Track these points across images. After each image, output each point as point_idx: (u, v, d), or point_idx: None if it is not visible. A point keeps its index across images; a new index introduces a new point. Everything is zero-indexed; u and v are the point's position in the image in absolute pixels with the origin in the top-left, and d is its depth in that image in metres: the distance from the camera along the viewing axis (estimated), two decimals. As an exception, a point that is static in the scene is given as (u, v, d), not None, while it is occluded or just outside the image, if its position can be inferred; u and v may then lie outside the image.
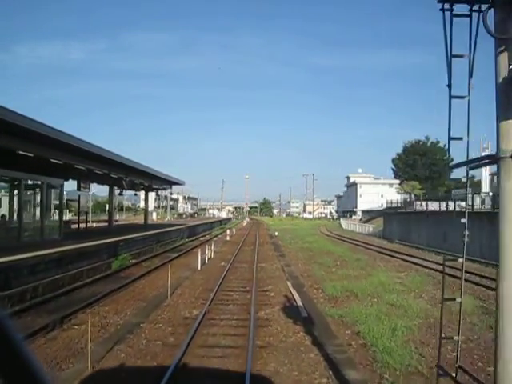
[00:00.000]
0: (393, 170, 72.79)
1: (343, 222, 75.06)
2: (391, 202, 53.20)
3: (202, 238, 37.85)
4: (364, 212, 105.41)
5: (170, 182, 35.51)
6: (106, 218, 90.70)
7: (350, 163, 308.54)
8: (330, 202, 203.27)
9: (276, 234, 41.45)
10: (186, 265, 20.10)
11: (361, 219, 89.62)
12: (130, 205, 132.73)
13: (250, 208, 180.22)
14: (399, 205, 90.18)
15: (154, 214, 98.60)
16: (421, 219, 35.40)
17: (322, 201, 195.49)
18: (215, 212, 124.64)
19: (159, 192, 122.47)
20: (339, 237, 42.53)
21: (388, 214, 45.65)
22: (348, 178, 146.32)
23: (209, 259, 22.30)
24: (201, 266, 19.16)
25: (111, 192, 29.11)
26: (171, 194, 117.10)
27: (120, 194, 35.01)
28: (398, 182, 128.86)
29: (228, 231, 38.80)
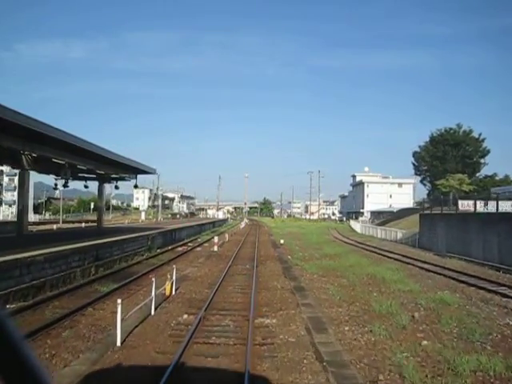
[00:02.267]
0: (413, 164, 61.91)
1: (356, 225, 64.19)
2: (429, 200, 42.18)
3: (179, 249, 27.04)
4: (374, 213, 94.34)
5: (132, 170, 24.69)
6: (89, 218, 79.78)
7: (355, 162, 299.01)
8: (332, 203, 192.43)
9: (282, 241, 30.61)
10: (102, 327, 9.22)
11: (373, 221, 78.80)
12: (119, 204, 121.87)
13: (250, 208, 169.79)
14: (414, 206, 78.77)
15: (143, 214, 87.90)
16: (488, 225, 24.64)
17: (324, 201, 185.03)
18: (210, 212, 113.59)
19: (151, 189, 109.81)
20: (364, 245, 31.79)
21: (428, 215, 34.80)
22: (354, 176, 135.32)
23: (163, 301, 11.55)
24: (128, 335, 8.38)
25: (22, 178, 18.11)
26: (167, 189, 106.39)
27: (65, 185, 24.22)
28: (411, 180, 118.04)
29: (216, 238, 27.92)
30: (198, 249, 27.47)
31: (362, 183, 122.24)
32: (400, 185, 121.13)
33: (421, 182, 63.42)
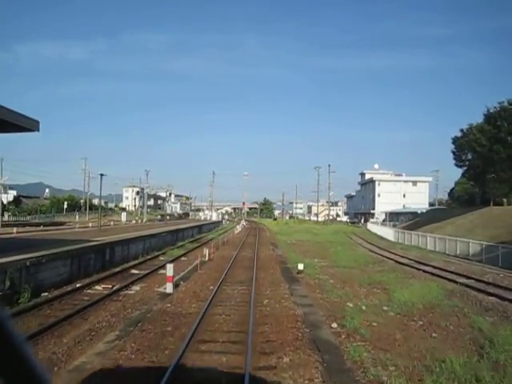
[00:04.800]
0: (454, 153, 47.93)
1: (384, 230, 50.03)
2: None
3: (98, 288, 13.04)
4: (391, 214, 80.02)
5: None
6: (62, 219, 65.86)
7: (360, 160, 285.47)
8: (335, 203, 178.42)
9: (301, 267, 16.42)
10: None
11: (394, 224, 64.86)
12: (103, 203, 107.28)
13: (250, 209, 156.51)
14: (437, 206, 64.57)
15: (124, 215, 73.78)
16: None
17: (327, 202, 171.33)
18: (201, 214, 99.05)
19: (143, 188, 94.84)
20: (444, 272, 17.89)
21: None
22: (363, 174, 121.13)
23: None
24: None
25: None
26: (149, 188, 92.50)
27: None
28: (427, 178, 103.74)
29: (170, 270, 13.62)
30: (136, 288, 13.37)
31: (372, 181, 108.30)
32: (414, 183, 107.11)
33: (463, 174, 49.34)
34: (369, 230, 57.88)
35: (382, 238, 43.38)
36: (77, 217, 73.95)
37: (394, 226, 61.02)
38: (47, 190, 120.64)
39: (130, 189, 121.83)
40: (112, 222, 53.67)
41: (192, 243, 29.85)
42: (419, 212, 69.24)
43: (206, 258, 20.18)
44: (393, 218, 77.63)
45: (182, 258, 20.76)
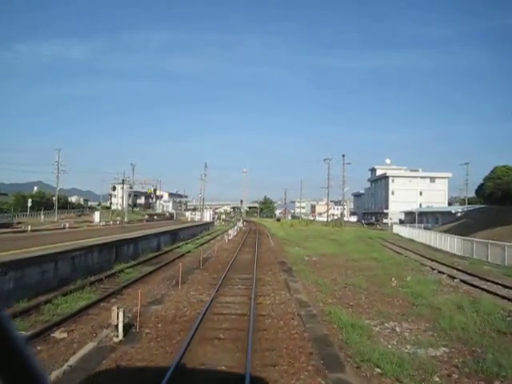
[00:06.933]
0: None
1: (422, 235, 36.82)
2: None
3: None
4: (421, 214, 66.46)
5: None
6: (23, 220, 52.79)
7: (364, 158, 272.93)
8: (338, 202, 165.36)
9: None
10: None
11: (426, 227, 51.88)
12: (81, 201, 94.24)
13: (250, 208, 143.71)
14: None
15: (97, 215, 60.32)
16: None
17: (331, 201, 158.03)
18: (187, 213, 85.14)
19: (131, 186, 79.19)
20: None
21: None
22: (373, 170, 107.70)
23: None
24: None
25: None
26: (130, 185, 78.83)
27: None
28: (447, 174, 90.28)
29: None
30: None
31: (385, 177, 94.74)
32: (432, 179, 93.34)
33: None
34: (398, 235, 44.67)
35: (430, 247, 30.20)
36: (42, 217, 60.62)
37: (427, 228, 47.86)
38: (35, 188, 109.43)
39: (119, 186, 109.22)
40: (67, 224, 40.56)
41: (142, 266, 16.64)
42: (453, 211, 56.04)
43: (119, 336, 7.11)
44: (416, 218, 64.21)
45: (59, 335, 7.62)
